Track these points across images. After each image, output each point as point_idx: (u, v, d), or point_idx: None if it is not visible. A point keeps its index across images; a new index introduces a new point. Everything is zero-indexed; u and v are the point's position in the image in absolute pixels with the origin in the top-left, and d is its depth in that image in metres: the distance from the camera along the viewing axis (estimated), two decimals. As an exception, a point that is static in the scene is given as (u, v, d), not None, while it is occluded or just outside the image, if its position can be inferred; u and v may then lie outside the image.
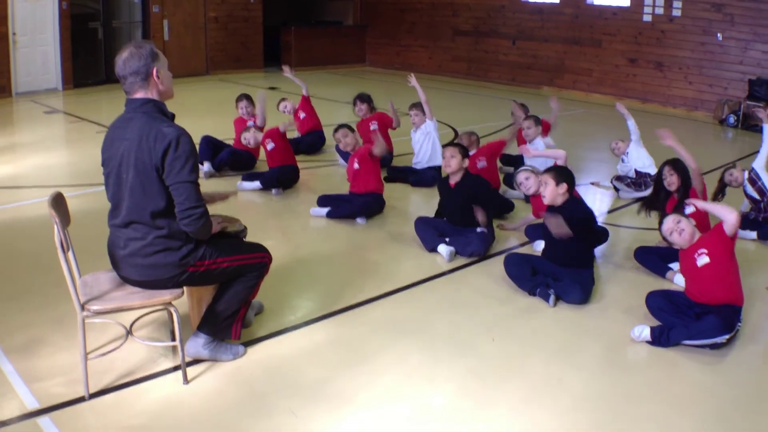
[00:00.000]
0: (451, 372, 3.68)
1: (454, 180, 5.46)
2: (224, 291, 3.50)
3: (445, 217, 5.58)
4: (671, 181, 5.22)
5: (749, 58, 12.02)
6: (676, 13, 12.93)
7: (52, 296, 4.30)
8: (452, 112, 11.38)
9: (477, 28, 16.41)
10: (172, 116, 3.26)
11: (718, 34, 12.31)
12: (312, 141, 8.37)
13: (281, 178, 6.78)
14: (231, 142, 7.65)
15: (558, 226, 4.53)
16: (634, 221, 6.32)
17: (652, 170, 7.00)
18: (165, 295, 3.23)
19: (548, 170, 4.83)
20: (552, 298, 4.51)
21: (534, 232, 5.58)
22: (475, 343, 4.01)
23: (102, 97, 12.44)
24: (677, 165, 5.25)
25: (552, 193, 4.69)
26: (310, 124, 8.53)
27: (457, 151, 5.40)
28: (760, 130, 11.44)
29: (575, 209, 4.69)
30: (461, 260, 5.21)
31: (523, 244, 5.63)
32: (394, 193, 6.73)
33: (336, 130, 6.45)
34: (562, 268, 4.72)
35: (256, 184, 6.74)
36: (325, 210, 6.04)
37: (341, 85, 14.91)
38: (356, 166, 6.16)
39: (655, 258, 5.18)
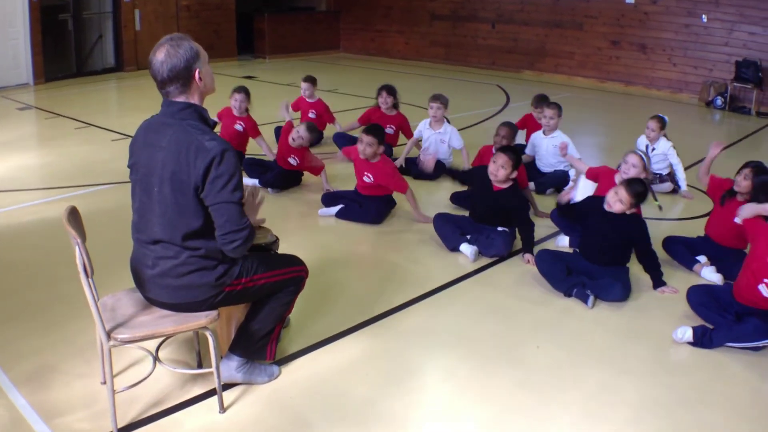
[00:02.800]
0: (503, 386, 3.44)
1: (498, 186, 5.08)
2: (259, 309, 3.20)
3: (471, 210, 5.31)
4: (743, 185, 4.72)
5: (735, 40, 11.94)
6: (660, -6, 12.82)
7: (59, 315, 3.95)
8: (425, 97, 11.07)
9: (455, 12, 16.13)
10: (213, 124, 2.94)
11: (703, 16, 12.21)
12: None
13: (284, 183, 6.46)
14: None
15: None
16: (655, 212, 6.13)
17: (665, 172, 6.80)
18: (200, 318, 2.91)
19: (629, 187, 4.47)
20: (591, 299, 4.30)
21: (563, 221, 5.31)
22: (520, 351, 3.77)
23: (74, 91, 11.90)
24: (760, 172, 4.65)
25: (621, 209, 4.46)
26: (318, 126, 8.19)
27: (510, 163, 4.93)
28: (747, 112, 11.51)
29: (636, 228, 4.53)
30: (485, 259, 4.97)
31: (546, 238, 5.40)
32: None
33: (367, 132, 5.62)
34: (598, 266, 4.51)
35: (255, 182, 6.40)
36: (334, 209, 5.73)
37: (316, 73, 14.47)
38: (368, 180, 5.72)
39: (682, 248, 5.01)
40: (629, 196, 4.42)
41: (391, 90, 7.55)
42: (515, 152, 5.06)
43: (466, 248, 4.96)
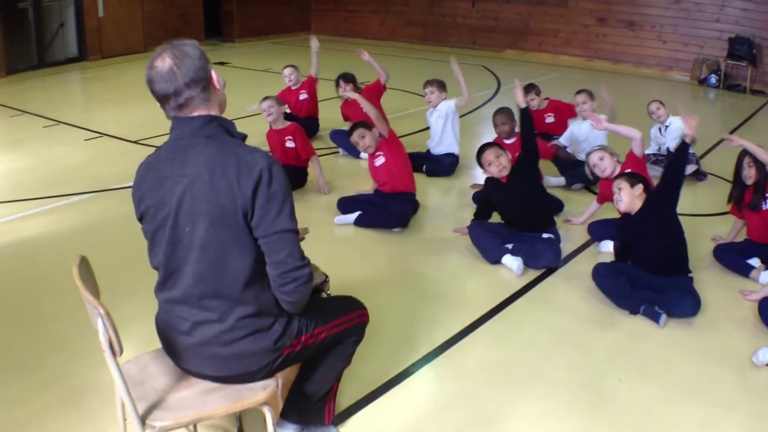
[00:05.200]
0: (601, 435, 2.93)
1: (503, 175, 4.71)
2: (315, 366, 2.62)
3: (504, 220, 4.78)
4: (749, 174, 4.47)
5: (726, 16, 11.54)
6: (648, -31, 12.35)
7: (56, 367, 3.31)
8: (413, 81, 10.47)
9: (432, -10, 15.50)
10: (243, 137, 2.31)
11: (694, -10, 11.77)
12: (308, 125, 7.37)
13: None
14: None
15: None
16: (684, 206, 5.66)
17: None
18: (257, 392, 2.30)
19: (620, 176, 4.25)
20: (663, 318, 3.82)
21: (600, 229, 4.87)
22: (604, 387, 3.28)
23: (37, 84, 11.03)
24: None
25: (629, 196, 4.08)
26: (311, 109, 7.62)
27: (502, 149, 4.73)
28: (742, 90, 11.14)
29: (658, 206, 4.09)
30: (531, 272, 4.44)
31: (587, 244, 4.90)
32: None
33: (351, 131, 5.38)
34: (658, 277, 4.03)
35: None
36: (352, 217, 5.13)
37: (288, 57, 13.74)
38: (379, 161, 5.22)
39: (734, 256, 4.59)
40: (623, 180, 4.16)
41: (347, 78, 7.08)
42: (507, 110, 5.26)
43: (510, 261, 4.43)
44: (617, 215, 4.44)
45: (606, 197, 4.96)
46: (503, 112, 5.93)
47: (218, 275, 2.21)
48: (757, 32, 11.12)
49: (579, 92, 6.27)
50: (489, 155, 4.68)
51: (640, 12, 12.61)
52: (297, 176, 5.86)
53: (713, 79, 11.43)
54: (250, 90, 9.07)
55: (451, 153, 6.46)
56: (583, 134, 6.25)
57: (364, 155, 6.76)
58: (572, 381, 3.32)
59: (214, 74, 2.25)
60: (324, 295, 2.94)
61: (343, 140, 6.93)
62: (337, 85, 7.08)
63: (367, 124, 5.32)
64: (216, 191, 2.13)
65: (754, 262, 4.53)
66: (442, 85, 6.54)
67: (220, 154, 2.15)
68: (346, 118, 7.33)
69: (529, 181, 4.66)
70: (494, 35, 14.74)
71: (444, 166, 6.28)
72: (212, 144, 2.18)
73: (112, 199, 5.72)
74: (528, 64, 13.34)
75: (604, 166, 4.82)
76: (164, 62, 2.15)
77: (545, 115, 6.96)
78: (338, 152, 7.08)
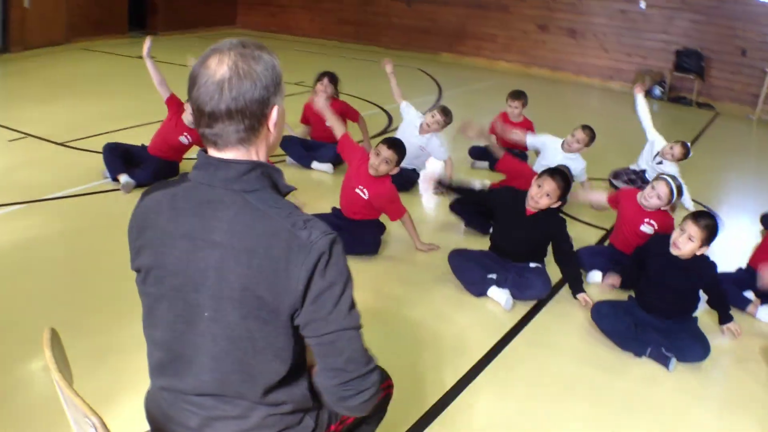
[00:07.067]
0: None
1: (534, 206, 4.15)
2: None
3: (498, 242, 4.34)
4: None
5: (675, 27, 11.57)
6: (595, -22, 12.27)
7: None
8: (346, 82, 9.99)
9: (367, -12, 15.04)
10: (289, 191, 1.72)
11: (642, 2, 11.72)
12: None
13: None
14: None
15: None
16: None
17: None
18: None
19: (699, 218, 3.67)
20: (673, 362, 3.52)
21: (590, 257, 4.55)
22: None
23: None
24: None
25: (694, 249, 3.68)
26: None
27: (558, 194, 4.07)
28: (688, 103, 11.17)
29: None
30: (521, 306, 4.06)
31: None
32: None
33: (389, 145, 4.48)
34: (664, 319, 3.73)
35: (126, 178, 5.26)
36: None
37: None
38: (360, 194, 4.58)
39: (731, 287, 4.33)
40: (701, 231, 3.63)
41: (332, 77, 6.46)
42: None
43: (498, 294, 4.02)
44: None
45: (615, 204, 4.70)
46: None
47: (244, 378, 1.65)
48: (706, 45, 11.19)
49: (584, 128, 5.78)
50: (546, 183, 4.08)
51: (584, 20, 12.52)
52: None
53: (657, 90, 11.46)
54: (174, 86, 8.38)
55: (413, 168, 6.03)
56: (557, 159, 5.87)
57: (316, 164, 6.27)
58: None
59: (273, 112, 1.63)
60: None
61: (293, 147, 6.38)
62: (319, 80, 6.37)
63: (403, 153, 4.55)
64: (255, 277, 1.55)
65: (749, 295, 4.36)
66: (450, 120, 6.07)
67: (263, 226, 1.56)
68: (305, 119, 6.68)
69: (546, 238, 4.23)
70: (430, 37, 14.40)
71: (403, 181, 5.80)
72: (251, 208, 1.58)
73: (45, 211, 4.93)
74: (464, 69, 13.10)
75: (656, 201, 4.39)
76: (221, 67, 1.55)
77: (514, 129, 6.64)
78: (284, 161, 6.51)
